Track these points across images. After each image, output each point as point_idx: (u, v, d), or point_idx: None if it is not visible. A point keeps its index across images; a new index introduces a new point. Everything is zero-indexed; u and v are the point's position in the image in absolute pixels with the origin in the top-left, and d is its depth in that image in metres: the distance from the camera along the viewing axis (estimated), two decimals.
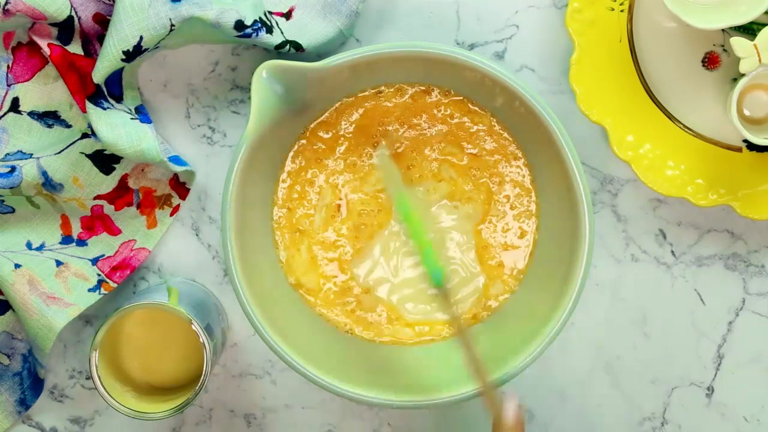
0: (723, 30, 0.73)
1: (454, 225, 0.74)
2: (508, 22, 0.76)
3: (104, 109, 0.72)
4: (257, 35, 0.71)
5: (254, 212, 0.72)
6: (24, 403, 0.78)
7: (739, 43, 0.69)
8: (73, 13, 0.72)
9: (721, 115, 0.74)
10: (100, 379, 0.70)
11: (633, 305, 0.78)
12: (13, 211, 0.76)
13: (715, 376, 0.78)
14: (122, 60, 0.71)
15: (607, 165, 0.77)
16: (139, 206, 0.77)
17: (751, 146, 0.74)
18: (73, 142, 0.75)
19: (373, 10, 0.76)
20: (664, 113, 0.74)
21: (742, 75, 0.70)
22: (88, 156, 0.75)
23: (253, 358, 0.78)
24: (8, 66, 0.75)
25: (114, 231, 0.77)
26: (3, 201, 0.75)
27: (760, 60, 0.69)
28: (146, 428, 0.79)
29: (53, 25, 0.72)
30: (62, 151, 0.74)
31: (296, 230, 0.75)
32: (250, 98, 0.66)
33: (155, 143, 0.72)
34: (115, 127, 0.72)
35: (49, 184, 0.74)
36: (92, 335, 0.76)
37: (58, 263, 0.75)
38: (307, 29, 0.73)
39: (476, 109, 0.73)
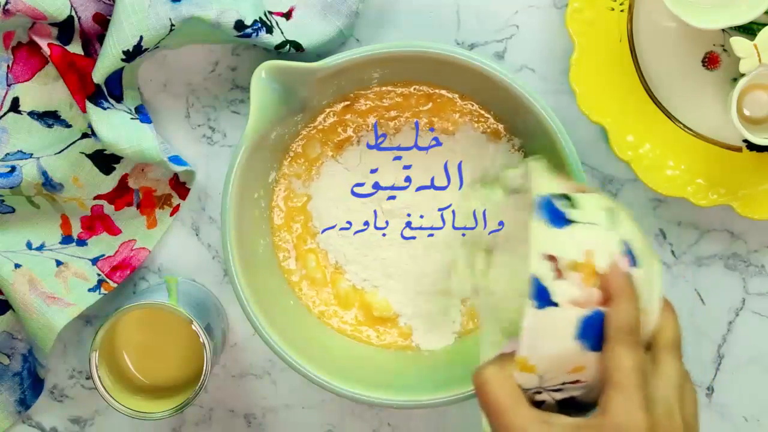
0: (723, 30, 0.73)
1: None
2: (508, 22, 0.76)
3: (104, 109, 0.72)
4: (257, 35, 0.71)
5: (254, 212, 0.72)
6: (24, 403, 0.78)
7: (739, 43, 0.69)
8: (73, 13, 0.72)
9: (721, 115, 0.73)
10: (100, 379, 0.70)
11: None
12: (13, 211, 0.76)
13: (715, 376, 0.78)
14: (122, 60, 0.71)
15: (607, 165, 0.77)
16: (139, 206, 0.77)
17: (751, 146, 0.74)
18: (73, 142, 0.75)
19: (373, 10, 0.76)
20: (664, 113, 0.74)
21: (742, 75, 0.70)
22: (88, 156, 0.75)
23: (253, 358, 0.78)
24: (8, 66, 0.75)
25: (114, 231, 0.77)
26: (3, 201, 0.75)
27: (760, 60, 0.69)
28: (146, 428, 0.79)
29: (53, 25, 0.72)
30: (62, 151, 0.74)
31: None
32: (249, 98, 0.66)
33: (155, 143, 0.72)
34: (115, 127, 0.72)
35: (49, 184, 0.74)
36: (92, 335, 0.76)
37: (58, 263, 0.75)
38: (307, 29, 0.73)
39: (476, 108, 0.73)
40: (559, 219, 0.52)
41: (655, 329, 0.54)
